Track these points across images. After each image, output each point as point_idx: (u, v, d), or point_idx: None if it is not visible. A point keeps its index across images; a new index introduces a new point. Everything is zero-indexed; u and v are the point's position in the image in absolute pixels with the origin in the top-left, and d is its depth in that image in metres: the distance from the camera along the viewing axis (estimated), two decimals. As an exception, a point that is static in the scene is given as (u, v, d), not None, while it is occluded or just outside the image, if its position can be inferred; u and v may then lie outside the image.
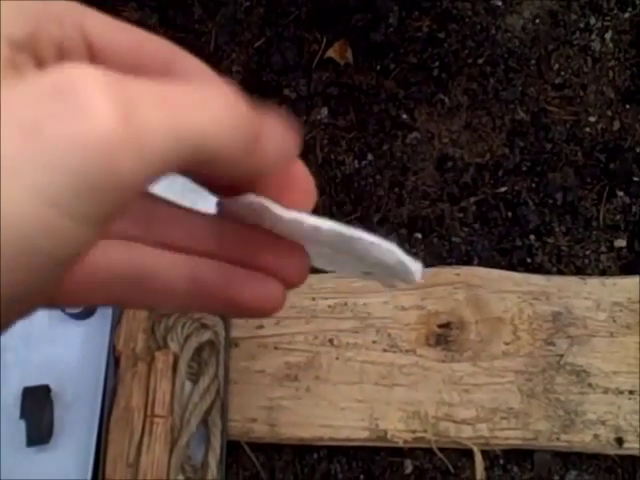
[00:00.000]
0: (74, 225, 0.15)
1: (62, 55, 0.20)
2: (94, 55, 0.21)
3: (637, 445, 0.82)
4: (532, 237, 0.93)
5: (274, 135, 0.21)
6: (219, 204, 0.26)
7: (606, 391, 0.84)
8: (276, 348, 0.83)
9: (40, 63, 0.19)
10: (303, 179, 0.25)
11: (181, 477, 0.75)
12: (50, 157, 0.14)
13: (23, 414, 0.77)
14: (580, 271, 0.92)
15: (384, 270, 0.26)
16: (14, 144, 0.14)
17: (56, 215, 0.14)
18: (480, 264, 0.91)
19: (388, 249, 0.24)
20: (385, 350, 0.83)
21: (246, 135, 0.19)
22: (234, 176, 0.20)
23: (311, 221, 0.23)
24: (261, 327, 0.84)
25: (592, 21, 1.06)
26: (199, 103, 0.17)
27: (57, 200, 0.14)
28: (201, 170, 0.19)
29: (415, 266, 0.25)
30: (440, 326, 0.85)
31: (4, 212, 0.14)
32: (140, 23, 1.00)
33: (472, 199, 0.95)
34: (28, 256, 0.15)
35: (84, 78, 0.15)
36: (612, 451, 0.82)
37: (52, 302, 0.21)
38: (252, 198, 0.24)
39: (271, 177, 0.23)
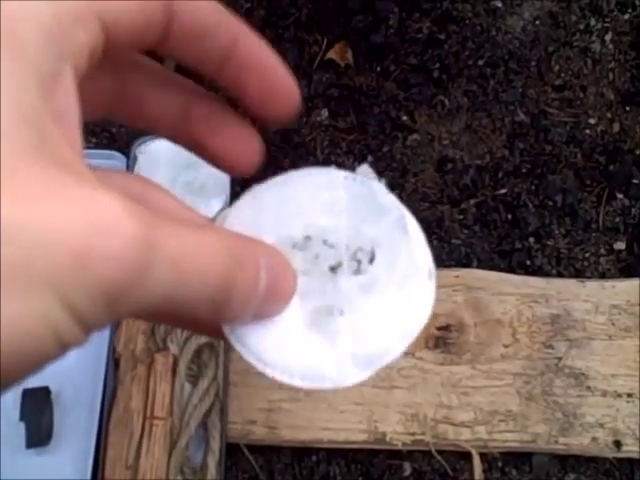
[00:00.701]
0: (77, 327, 0.18)
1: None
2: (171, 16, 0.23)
3: (635, 448, 0.82)
4: (531, 239, 0.93)
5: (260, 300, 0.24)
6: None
7: (604, 394, 0.84)
8: (275, 350, 0.83)
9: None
10: (285, 84, 0.27)
11: (180, 479, 0.75)
12: (84, 283, 0.18)
13: (23, 416, 0.77)
14: (579, 274, 0.92)
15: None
16: (63, 265, 0.17)
17: (72, 319, 0.18)
18: (479, 266, 0.91)
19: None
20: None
21: (218, 304, 0.22)
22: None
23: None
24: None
25: (592, 22, 1.06)
26: (196, 280, 0.21)
27: (77, 311, 0.18)
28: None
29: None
30: (439, 328, 0.85)
31: (33, 305, 0.17)
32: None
33: (472, 201, 0.95)
34: (45, 343, 0.18)
35: (122, 228, 0.18)
36: (610, 454, 0.83)
37: None
38: None
39: (251, 85, 0.26)
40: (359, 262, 0.26)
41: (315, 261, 0.26)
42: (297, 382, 0.25)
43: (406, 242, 0.27)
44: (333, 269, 0.26)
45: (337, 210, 0.27)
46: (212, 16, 0.24)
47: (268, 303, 0.24)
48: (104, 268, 0.18)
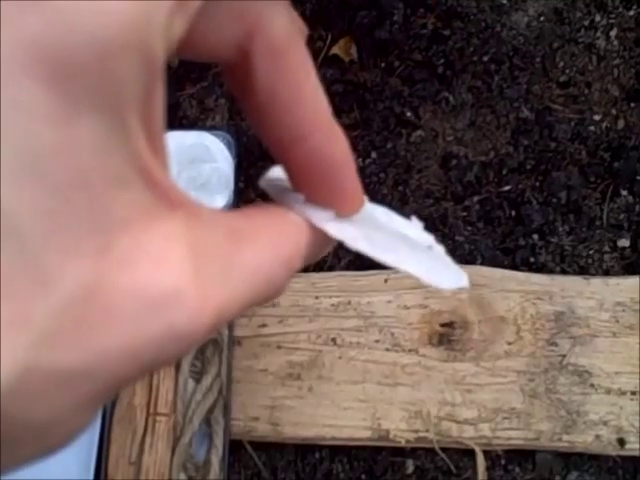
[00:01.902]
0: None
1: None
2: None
3: (639, 446, 0.82)
4: (535, 236, 0.93)
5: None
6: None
7: (608, 392, 0.84)
8: (279, 347, 0.83)
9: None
10: (352, 189, 0.24)
11: (183, 476, 0.75)
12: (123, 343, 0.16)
13: (26, 412, 0.77)
14: (583, 271, 0.92)
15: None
16: (117, 336, 0.16)
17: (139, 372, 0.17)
18: (483, 263, 0.91)
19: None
20: (388, 349, 0.84)
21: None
22: None
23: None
24: (264, 326, 0.84)
25: (597, 19, 1.05)
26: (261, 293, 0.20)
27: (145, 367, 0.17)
28: None
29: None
30: (443, 325, 0.85)
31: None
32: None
33: (476, 198, 0.95)
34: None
35: (186, 304, 0.17)
36: (614, 452, 0.82)
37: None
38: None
39: (320, 186, 0.24)
40: None
41: None
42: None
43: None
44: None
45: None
46: (293, 92, 0.22)
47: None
48: (169, 342, 0.17)
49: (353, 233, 0.23)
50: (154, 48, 0.16)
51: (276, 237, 0.21)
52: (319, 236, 0.23)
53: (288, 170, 0.24)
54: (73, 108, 0.14)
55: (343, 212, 0.24)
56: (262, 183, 0.26)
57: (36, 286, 0.14)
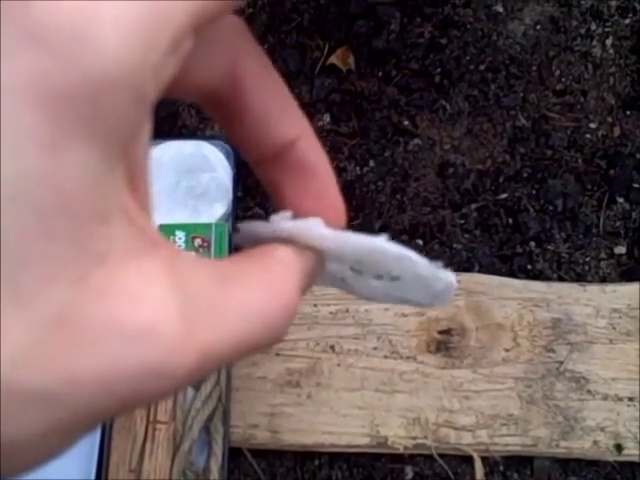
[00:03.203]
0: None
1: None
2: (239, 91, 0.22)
3: (636, 452, 0.83)
4: (532, 244, 0.94)
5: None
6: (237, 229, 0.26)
7: (605, 398, 0.84)
8: (278, 355, 0.83)
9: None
10: (334, 205, 0.25)
11: (183, 483, 0.75)
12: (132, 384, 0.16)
13: (27, 420, 0.77)
14: (580, 278, 0.93)
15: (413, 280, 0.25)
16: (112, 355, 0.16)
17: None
18: (481, 271, 0.91)
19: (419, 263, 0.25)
20: (386, 357, 0.84)
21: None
22: None
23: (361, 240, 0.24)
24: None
25: (593, 27, 1.06)
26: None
27: (114, 394, 0.17)
28: None
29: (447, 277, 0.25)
30: (440, 332, 0.85)
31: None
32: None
33: (473, 205, 0.96)
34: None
35: (175, 356, 0.17)
36: (611, 458, 0.83)
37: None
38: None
39: (297, 193, 0.24)
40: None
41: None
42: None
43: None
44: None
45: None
46: (281, 103, 0.23)
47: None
48: (159, 394, 0.17)
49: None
50: (146, 88, 0.16)
51: (267, 277, 0.20)
52: (311, 263, 0.23)
53: (276, 184, 0.24)
54: (63, 135, 0.15)
55: (330, 221, 0.24)
56: (237, 239, 0.26)
57: (11, 306, 0.14)
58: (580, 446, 0.83)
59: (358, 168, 0.97)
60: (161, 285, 0.17)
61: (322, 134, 0.98)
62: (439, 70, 1.02)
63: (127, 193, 0.17)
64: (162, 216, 0.84)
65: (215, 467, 0.76)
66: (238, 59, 0.22)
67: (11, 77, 0.14)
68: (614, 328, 0.87)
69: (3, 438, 0.15)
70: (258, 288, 0.20)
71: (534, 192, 0.97)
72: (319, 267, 0.24)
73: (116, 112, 0.16)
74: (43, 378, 0.15)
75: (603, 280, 0.93)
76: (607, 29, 1.06)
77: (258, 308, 0.19)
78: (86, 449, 0.78)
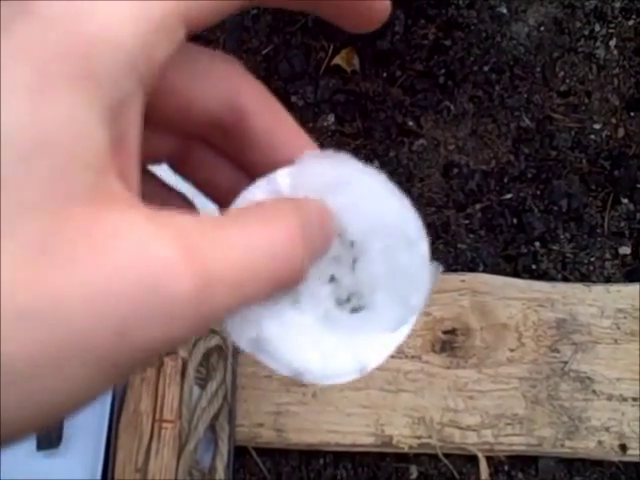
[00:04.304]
0: (117, 382, 0.18)
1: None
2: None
3: (641, 452, 0.83)
4: (537, 244, 0.94)
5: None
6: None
7: (610, 398, 0.84)
8: (283, 354, 0.83)
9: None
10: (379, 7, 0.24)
11: (189, 481, 0.76)
12: (128, 352, 0.17)
13: (33, 418, 0.78)
14: (585, 278, 0.93)
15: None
16: (103, 334, 0.16)
17: (111, 380, 0.17)
18: (485, 271, 0.91)
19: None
20: (391, 356, 0.84)
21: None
22: None
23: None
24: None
25: (597, 28, 1.06)
26: (255, 292, 0.20)
27: (121, 372, 0.17)
28: None
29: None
30: (445, 332, 0.86)
31: (75, 376, 0.16)
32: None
33: (477, 206, 0.96)
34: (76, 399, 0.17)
35: (174, 274, 0.17)
36: (616, 458, 0.83)
37: None
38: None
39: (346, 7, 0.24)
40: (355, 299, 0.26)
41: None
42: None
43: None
44: (332, 279, 0.26)
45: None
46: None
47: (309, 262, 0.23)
48: (158, 331, 0.17)
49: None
50: (135, 57, 0.17)
51: (264, 215, 0.21)
52: (311, 210, 0.23)
53: (315, 10, 0.25)
54: (51, 84, 0.16)
55: (377, 19, 0.24)
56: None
57: None
58: (585, 446, 0.83)
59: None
60: (148, 225, 0.17)
61: (326, 134, 0.98)
62: (443, 71, 1.02)
63: (112, 152, 0.18)
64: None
65: (221, 466, 0.77)
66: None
67: (8, 42, 0.15)
68: (619, 328, 0.87)
69: (4, 355, 0.15)
70: (256, 223, 0.20)
71: (538, 192, 0.97)
72: (323, 219, 0.24)
73: (104, 72, 0.17)
74: (30, 298, 0.15)
75: (608, 280, 0.93)
76: (611, 30, 1.06)
77: (258, 238, 0.19)
78: (92, 448, 0.78)
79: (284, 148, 0.25)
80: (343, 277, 0.25)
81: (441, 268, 0.27)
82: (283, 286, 0.21)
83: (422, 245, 0.26)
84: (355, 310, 0.25)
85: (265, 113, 0.25)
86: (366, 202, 0.25)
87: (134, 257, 0.16)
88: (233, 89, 0.24)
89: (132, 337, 0.16)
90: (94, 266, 0.16)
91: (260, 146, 0.24)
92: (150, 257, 0.17)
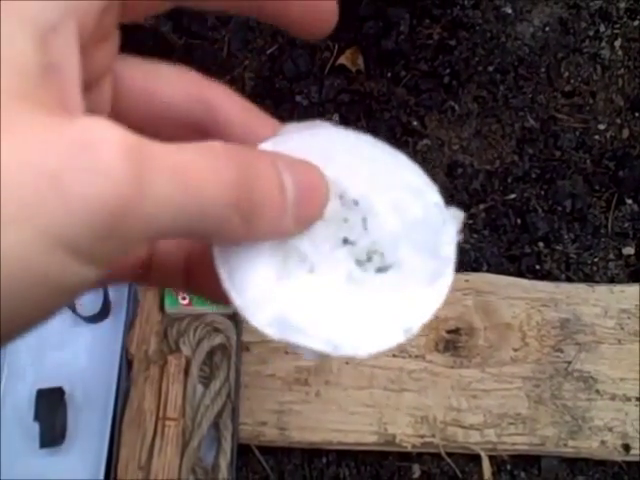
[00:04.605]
0: (77, 263, 0.16)
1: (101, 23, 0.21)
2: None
3: (644, 452, 0.83)
4: (541, 244, 0.94)
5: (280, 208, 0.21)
6: None
7: (613, 398, 0.84)
8: (287, 352, 0.84)
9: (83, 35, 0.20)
10: (324, 5, 0.25)
11: (192, 479, 0.76)
12: (66, 204, 0.16)
13: (37, 416, 0.78)
14: (588, 278, 0.93)
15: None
16: (35, 188, 0.15)
17: (63, 253, 0.16)
18: (489, 271, 0.91)
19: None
20: (395, 355, 0.84)
21: (244, 214, 0.20)
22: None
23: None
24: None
25: (602, 29, 1.06)
26: (205, 185, 0.18)
27: (66, 242, 0.16)
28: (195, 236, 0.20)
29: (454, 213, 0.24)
30: (449, 332, 0.86)
31: (10, 244, 0.15)
32: (154, 30, 1.02)
33: (481, 206, 0.96)
34: (35, 286, 0.16)
35: (108, 139, 0.16)
36: (619, 457, 0.83)
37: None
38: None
39: (293, 12, 0.24)
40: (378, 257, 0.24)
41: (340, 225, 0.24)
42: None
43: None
44: (345, 241, 0.23)
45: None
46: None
47: (304, 205, 0.22)
48: (89, 184, 0.16)
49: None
50: None
51: (201, 147, 0.19)
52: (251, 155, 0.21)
53: (268, 19, 0.24)
54: None
55: (327, 24, 0.24)
56: None
57: None
58: (588, 446, 0.83)
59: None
60: (90, 118, 0.17)
61: (331, 134, 0.98)
62: (448, 71, 1.02)
63: (43, 71, 0.18)
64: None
65: (224, 464, 0.77)
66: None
67: None
68: (622, 328, 0.87)
69: None
70: (192, 150, 0.19)
71: (543, 193, 0.97)
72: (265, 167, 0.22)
73: None
74: None
75: (611, 280, 0.93)
76: (616, 31, 1.06)
77: (189, 164, 0.18)
78: (96, 445, 0.78)
79: (258, 135, 0.24)
80: (357, 238, 0.23)
81: (462, 214, 0.25)
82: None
83: (431, 193, 0.25)
84: (381, 270, 0.23)
85: (233, 105, 0.25)
86: (358, 162, 0.24)
87: (71, 127, 0.16)
88: (198, 83, 0.25)
89: (67, 188, 0.16)
90: (29, 133, 0.16)
91: (232, 138, 0.24)
92: (86, 128, 0.16)
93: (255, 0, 0.23)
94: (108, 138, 0.16)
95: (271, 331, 0.22)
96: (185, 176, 0.18)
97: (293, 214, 0.21)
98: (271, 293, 0.22)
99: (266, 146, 0.24)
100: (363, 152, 0.25)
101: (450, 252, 0.24)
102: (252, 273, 0.22)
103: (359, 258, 0.23)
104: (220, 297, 0.24)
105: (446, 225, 0.24)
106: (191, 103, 0.24)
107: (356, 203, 0.24)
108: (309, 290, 0.22)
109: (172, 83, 0.24)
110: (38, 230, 0.15)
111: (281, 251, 0.23)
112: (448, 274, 0.24)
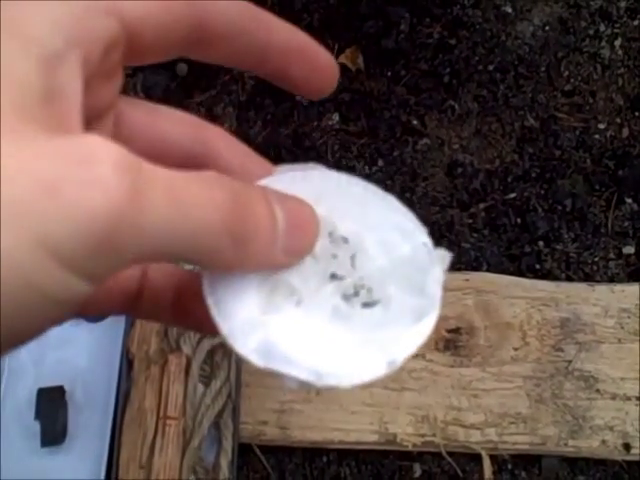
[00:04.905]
0: (66, 273, 0.16)
1: (107, 51, 0.21)
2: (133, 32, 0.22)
3: (644, 451, 0.83)
4: (541, 243, 0.94)
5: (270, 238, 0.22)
6: None
7: (614, 397, 0.84)
8: (287, 352, 0.84)
9: (88, 62, 0.20)
10: (325, 59, 0.26)
11: (193, 478, 0.76)
12: (60, 212, 0.16)
13: (38, 415, 0.78)
14: (588, 277, 0.93)
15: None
16: (31, 193, 0.16)
17: (56, 264, 0.16)
18: (489, 270, 0.91)
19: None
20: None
21: (235, 240, 0.20)
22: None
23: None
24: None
25: (602, 28, 1.06)
26: (198, 207, 0.19)
27: (55, 248, 0.16)
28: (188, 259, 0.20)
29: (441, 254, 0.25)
30: (449, 331, 0.86)
31: (5, 251, 0.15)
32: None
33: (481, 205, 0.96)
34: (25, 294, 0.16)
35: (106, 154, 0.17)
36: (619, 457, 0.83)
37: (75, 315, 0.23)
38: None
39: (294, 69, 0.25)
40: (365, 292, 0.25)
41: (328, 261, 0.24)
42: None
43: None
44: (333, 277, 0.24)
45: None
46: (245, 12, 0.24)
47: (294, 237, 0.22)
48: (85, 194, 0.16)
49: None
50: (61, 18, 0.19)
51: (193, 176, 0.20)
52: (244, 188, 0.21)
53: (270, 76, 0.26)
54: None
55: (328, 81, 0.26)
56: None
57: None
58: (588, 445, 0.83)
59: (367, 167, 0.97)
60: (88, 135, 0.17)
61: (331, 133, 0.98)
62: (448, 70, 1.02)
63: (45, 96, 0.18)
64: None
65: (225, 463, 0.77)
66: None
67: None
68: (622, 328, 0.87)
69: None
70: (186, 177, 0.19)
71: (543, 192, 0.97)
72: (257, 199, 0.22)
73: (35, 27, 0.19)
74: None
75: (611, 280, 0.93)
76: (616, 30, 1.06)
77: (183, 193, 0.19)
78: (97, 444, 0.78)
79: (256, 176, 0.25)
80: (345, 273, 0.24)
81: (449, 255, 0.26)
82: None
83: (420, 234, 0.26)
84: (368, 305, 0.24)
85: (231, 146, 0.26)
86: (349, 202, 0.25)
87: (69, 141, 0.17)
88: (197, 124, 0.26)
89: (63, 197, 0.16)
90: (28, 144, 0.16)
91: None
92: (85, 143, 0.17)
93: (256, 57, 0.25)
94: (106, 152, 0.17)
95: (255, 358, 0.22)
96: (180, 196, 0.18)
97: (283, 245, 0.22)
98: (257, 322, 0.22)
99: (260, 184, 0.25)
100: (354, 193, 0.26)
101: (436, 291, 0.25)
102: (239, 303, 0.23)
103: (346, 293, 0.24)
104: (207, 329, 0.24)
105: (433, 265, 0.25)
106: (191, 143, 0.25)
107: (345, 241, 0.24)
108: (295, 322, 0.23)
109: (173, 122, 0.25)
110: (29, 234, 0.15)
111: (270, 283, 0.23)
112: (433, 313, 0.24)
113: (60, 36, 0.19)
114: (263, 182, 0.25)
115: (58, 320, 0.18)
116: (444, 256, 0.26)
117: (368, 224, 0.25)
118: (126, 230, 0.17)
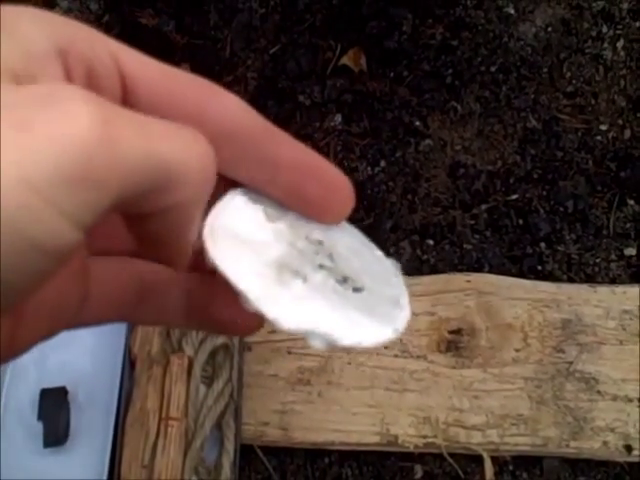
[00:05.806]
0: (56, 215, 0.16)
1: (91, 77, 0.21)
2: (127, 88, 0.22)
3: (645, 452, 0.83)
4: (543, 245, 0.94)
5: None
6: None
7: (615, 398, 0.84)
8: (289, 353, 0.84)
9: (69, 78, 0.20)
10: (341, 181, 0.25)
11: (195, 479, 0.76)
12: (36, 151, 0.16)
13: (40, 416, 0.78)
14: (590, 279, 0.93)
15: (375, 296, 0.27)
16: (5, 133, 0.16)
17: (39, 202, 0.16)
18: (491, 271, 0.91)
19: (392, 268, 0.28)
20: (396, 356, 0.84)
21: (206, 171, 0.20)
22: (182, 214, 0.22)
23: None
24: (275, 332, 0.85)
25: (604, 30, 1.06)
26: (171, 133, 0.19)
27: (40, 188, 0.16)
28: (157, 199, 0.20)
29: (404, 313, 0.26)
30: (451, 332, 0.86)
31: None
32: (157, 29, 1.02)
33: (483, 206, 0.96)
34: (14, 240, 0.16)
35: (76, 92, 0.17)
36: (621, 458, 0.83)
37: (72, 325, 0.24)
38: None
39: (309, 187, 0.25)
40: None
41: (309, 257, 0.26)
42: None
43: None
44: (322, 267, 0.26)
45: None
46: (256, 135, 0.24)
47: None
48: (57, 128, 0.16)
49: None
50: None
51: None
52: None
53: (284, 195, 0.25)
54: None
55: (345, 204, 0.26)
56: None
57: None
58: (590, 446, 0.83)
59: (369, 168, 0.97)
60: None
61: (333, 134, 0.98)
62: (450, 71, 1.02)
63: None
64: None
65: (227, 464, 0.77)
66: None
67: None
68: (624, 329, 0.87)
69: None
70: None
71: (544, 193, 0.97)
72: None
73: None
74: None
75: (613, 281, 0.93)
76: (618, 32, 1.06)
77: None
78: (99, 445, 0.79)
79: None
80: (330, 265, 0.26)
81: (399, 264, 0.28)
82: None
83: (376, 249, 0.28)
84: (357, 290, 0.26)
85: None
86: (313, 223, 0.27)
87: (39, 86, 0.17)
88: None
89: (35, 131, 0.16)
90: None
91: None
92: (55, 86, 0.17)
93: (267, 176, 0.24)
94: (72, 90, 0.17)
95: (285, 321, 0.23)
96: (149, 129, 0.18)
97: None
98: (277, 294, 0.24)
99: (234, 192, 0.25)
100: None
101: (402, 284, 0.27)
102: (255, 275, 0.24)
103: (337, 279, 0.26)
104: (223, 325, 0.26)
105: (394, 267, 0.28)
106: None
107: (321, 243, 0.26)
108: (309, 294, 0.24)
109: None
110: (9, 171, 0.16)
111: (274, 265, 0.25)
112: (406, 299, 0.27)
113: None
114: (237, 190, 0.25)
115: (51, 272, 0.18)
116: (396, 264, 0.28)
117: (336, 234, 0.27)
118: (101, 160, 0.17)
